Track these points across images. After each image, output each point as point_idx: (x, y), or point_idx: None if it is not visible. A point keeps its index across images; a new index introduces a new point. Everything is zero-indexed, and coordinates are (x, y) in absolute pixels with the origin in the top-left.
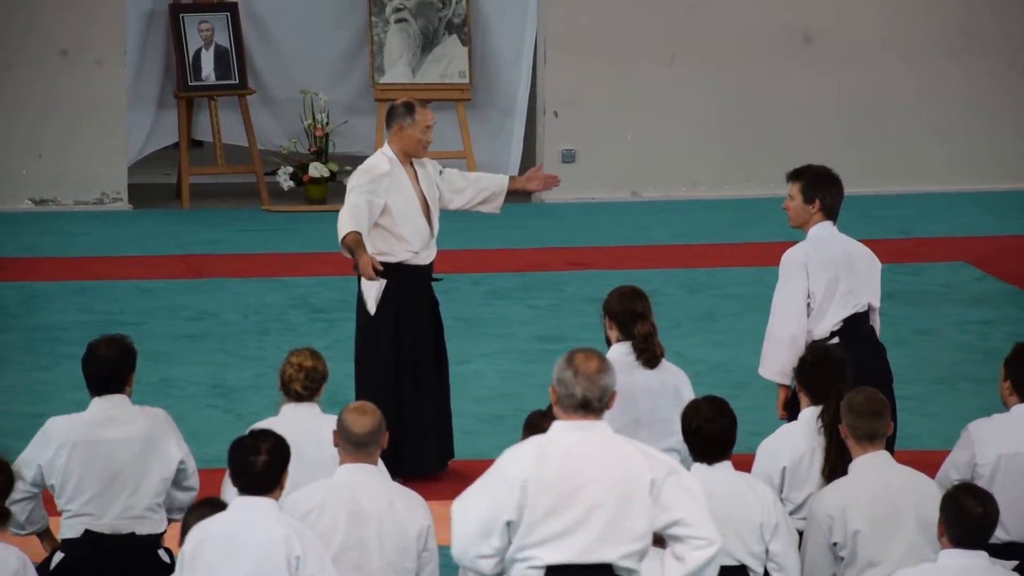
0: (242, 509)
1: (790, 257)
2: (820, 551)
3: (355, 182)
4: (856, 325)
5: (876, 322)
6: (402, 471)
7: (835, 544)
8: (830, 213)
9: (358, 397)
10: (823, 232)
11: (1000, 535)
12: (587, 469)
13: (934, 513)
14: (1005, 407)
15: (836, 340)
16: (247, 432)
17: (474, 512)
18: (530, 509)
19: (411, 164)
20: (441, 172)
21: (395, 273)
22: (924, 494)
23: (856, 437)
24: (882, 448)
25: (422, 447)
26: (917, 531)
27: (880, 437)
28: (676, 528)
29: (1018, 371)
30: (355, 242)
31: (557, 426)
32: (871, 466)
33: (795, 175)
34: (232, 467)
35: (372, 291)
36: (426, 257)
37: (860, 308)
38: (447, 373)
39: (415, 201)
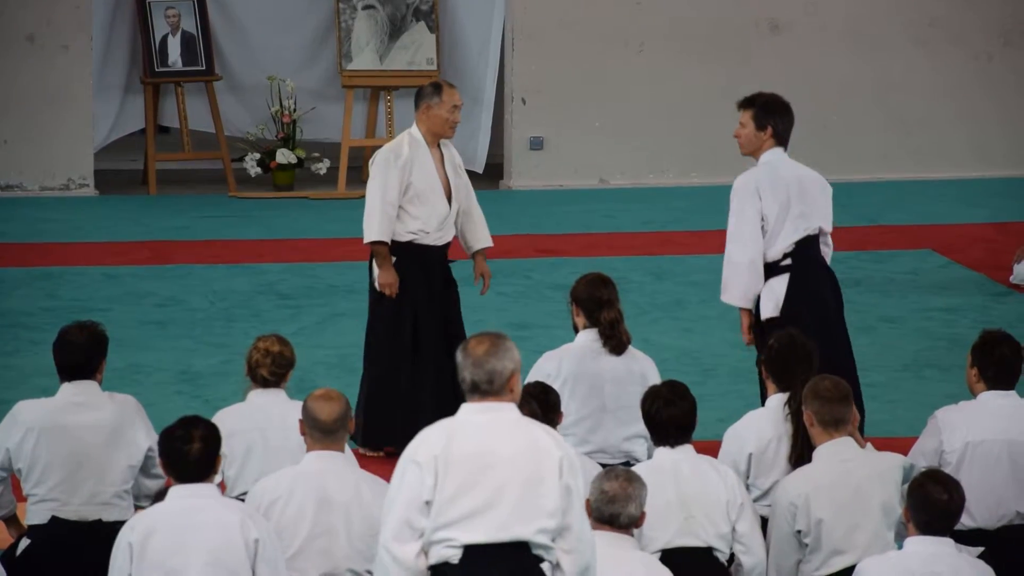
0: (185, 497)
1: (742, 182)
2: (785, 538)
3: (379, 168)
4: (807, 248)
5: (830, 247)
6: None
7: (799, 531)
8: (781, 140)
9: (365, 371)
10: (774, 158)
11: (966, 522)
12: (496, 447)
13: (895, 494)
14: (972, 394)
15: (789, 262)
16: (177, 421)
17: (396, 497)
18: (440, 488)
19: (438, 146)
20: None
21: (404, 251)
22: (889, 480)
23: (823, 424)
24: (847, 435)
25: (415, 425)
26: (882, 518)
27: (846, 423)
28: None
29: (984, 359)
30: (385, 254)
31: (465, 408)
32: (835, 453)
33: (746, 102)
34: (165, 458)
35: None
36: (439, 238)
37: (811, 231)
38: None
39: (437, 183)
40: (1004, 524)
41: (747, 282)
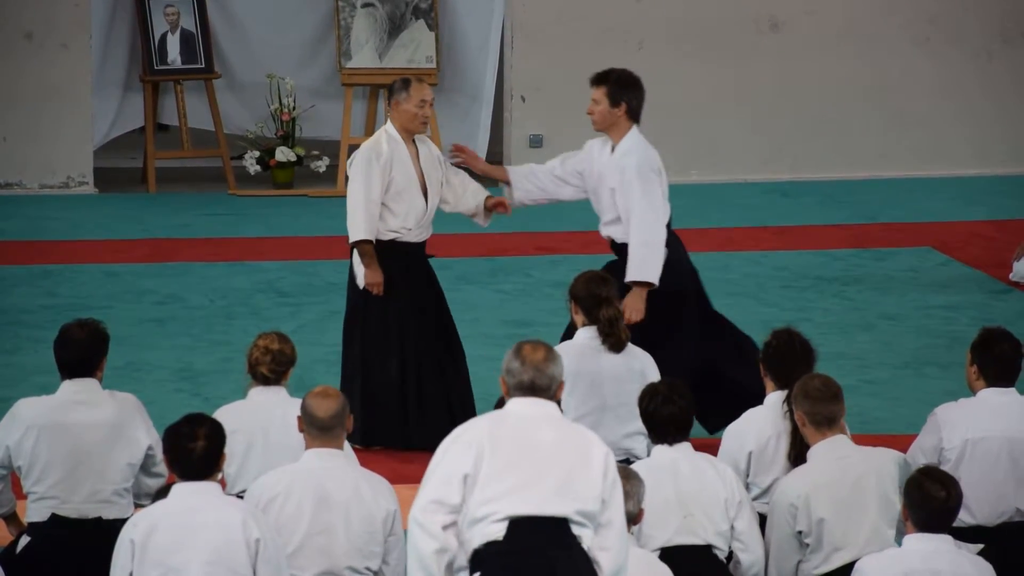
0: (189, 495)
1: (646, 159)
2: (786, 539)
3: (361, 167)
4: (670, 225)
5: None
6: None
7: (800, 532)
8: (635, 115)
9: (343, 372)
10: (640, 137)
11: (965, 518)
12: (543, 433)
13: (892, 489)
14: (972, 392)
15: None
16: (182, 418)
17: (433, 472)
18: (485, 463)
19: (412, 142)
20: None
21: (386, 250)
22: (885, 475)
23: (815, 423)
24: (839, 432)
25: (409, 421)
26: (880, 512)
27: (838, 420)
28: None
29: (984, 356)
30: (370, 252)
31: (513, 401)
32: (830, 451)
33: (598, 79)
34: (170, 455)
35: (363, 267)
36: (419, 235)
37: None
38: (459, 349)
39: (414, 179)
40: (1004, 521)
41: (660, 260)
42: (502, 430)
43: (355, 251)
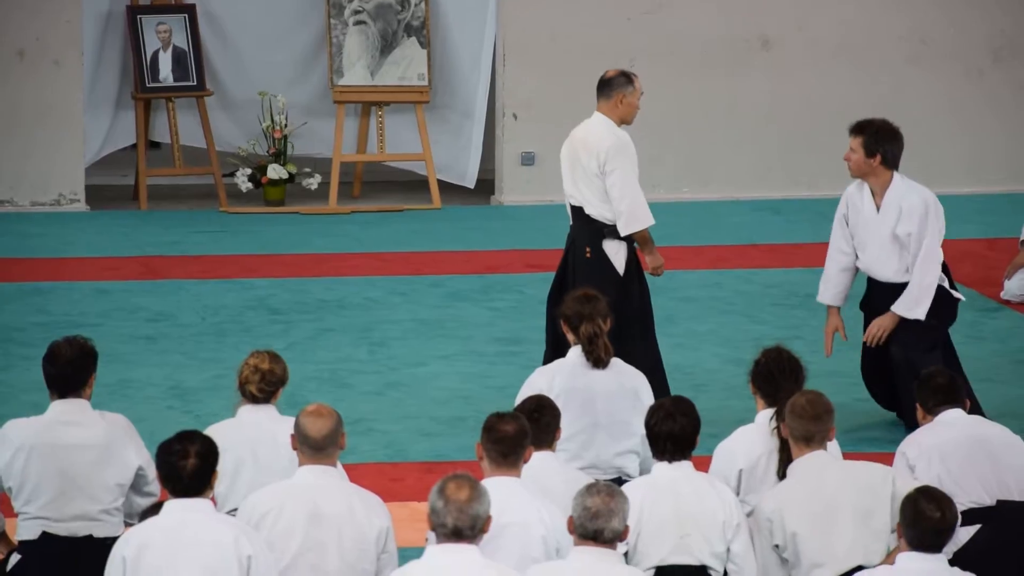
0: (181, 511)
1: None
2: (767, 554)
3: (629, 158)
4: None
5: None
6: None
7: (776, 546)
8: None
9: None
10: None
11: (964, 500)
12: None
13: (874, 503)
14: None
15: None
16: (174, 435)
17: None
18: None
19: None
20: None
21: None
22: (861, 487)
23: (794, 439)
24: (821, 448)
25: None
26: (857, 525)
27: (818, 440)
28: None
29: (920, 393)
30: (651, 238)
31: (431, 550)
32: (807, 467)
33: (857, 129)
34: (162, 472)
35: (621, 255)
36: None
37: None
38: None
39: None
40: (1000, 499)
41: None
42: None
43: (591, 248)
